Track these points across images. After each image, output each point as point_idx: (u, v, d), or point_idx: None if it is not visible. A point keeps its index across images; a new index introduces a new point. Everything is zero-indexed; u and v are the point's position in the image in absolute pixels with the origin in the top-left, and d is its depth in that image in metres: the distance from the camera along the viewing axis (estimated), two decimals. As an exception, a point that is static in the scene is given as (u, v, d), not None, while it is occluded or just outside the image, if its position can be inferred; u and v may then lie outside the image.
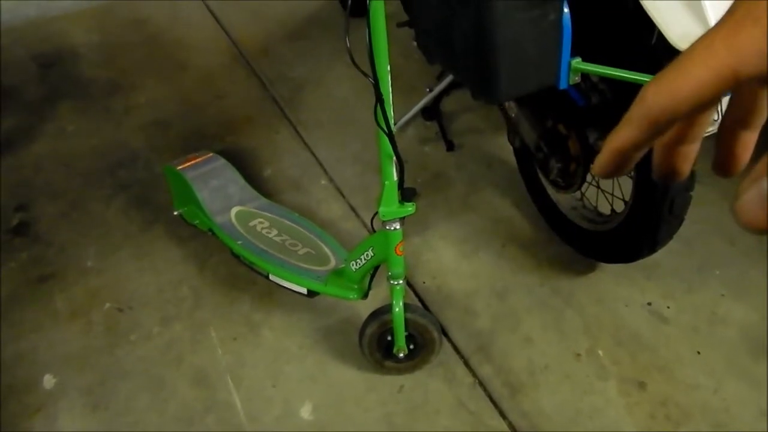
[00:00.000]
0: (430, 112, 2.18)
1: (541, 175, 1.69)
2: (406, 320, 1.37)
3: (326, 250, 1.57)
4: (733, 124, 0.32)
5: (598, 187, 1.64)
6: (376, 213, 1.24)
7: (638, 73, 1.10)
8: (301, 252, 1.57)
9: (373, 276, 1.42)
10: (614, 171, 0.32)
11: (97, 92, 2.56)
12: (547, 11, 1.11)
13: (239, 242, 1.60)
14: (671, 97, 0.27)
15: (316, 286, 1.47)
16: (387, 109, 1.11)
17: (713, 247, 1.72)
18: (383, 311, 1.40)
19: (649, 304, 1.61)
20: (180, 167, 1.76)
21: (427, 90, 2.13)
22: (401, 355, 1.42)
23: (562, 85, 1.22)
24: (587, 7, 1.19)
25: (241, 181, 1.80)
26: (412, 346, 1.43)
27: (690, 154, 0.34)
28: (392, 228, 1.25)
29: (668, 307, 1.59)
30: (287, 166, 2.13)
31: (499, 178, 2.00)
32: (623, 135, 0.29)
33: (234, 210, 1.72)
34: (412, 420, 1.41)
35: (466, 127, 2.22)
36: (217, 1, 3.10)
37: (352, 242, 1.71)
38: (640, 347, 1.51)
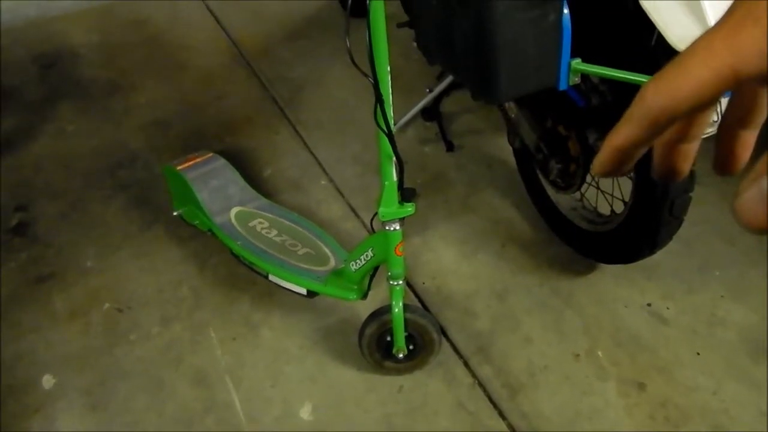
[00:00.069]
0: (430, 113, 2.18)
1: (540, 176, 1.69)
2: (406, 321, 1.36)
3: (326, 250, 1.57)
4: (732, 123, 0.32)
5: (597, 187, 1.64)
6: (376, 213, 1.24)
7: (638, 74, 1.10)
8: (300, 252, 1.57)
9: (372, 276, 1.42)
10: (614, 170, 0.32)
11: (97, 92, 2.56)
12: (547, 12, 1.11)
13: (239, 242, 1.60)
14: (671, 96, 0.27)
15: (315, 287, 1.47)
16: (387, 109, 1.11)
17: (713, 248, 1.72)
18: (383, 312, 1.40)
19: (649, 305, 1.60)
20: (180, 167, 1.76)
21: (427, 90, 2.13)
22: (401, 355, 1.42)
23: (562, 86, 1.22)
24: (587, 8, 1.19)
25: (241, 181, 1.80)
26: (411, 347, 1.43)
27: (690, 153, 0.34)
28: (392, 228, 1.25)
29: (668, 308, 1.59)
30: (287, 167, 2.13)
31: (499, 178, 2.00)
32: (623, 133, 0.29)
33: (234, 210, 1.72)
34: (411, 420, 1.41)
35: (466, 128, 2.22)
36: (217, 2, 3.10)
37: (351, 243, 1.71)
38: (639, 348, 1.51)
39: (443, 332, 1.56)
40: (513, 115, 1.62)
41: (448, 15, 1.19)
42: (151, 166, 2.15)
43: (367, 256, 1.34)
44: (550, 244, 1.77)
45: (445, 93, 2.12)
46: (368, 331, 1.41)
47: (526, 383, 1.46)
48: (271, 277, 1.54)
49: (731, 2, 0.26)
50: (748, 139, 0.32)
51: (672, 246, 1.49)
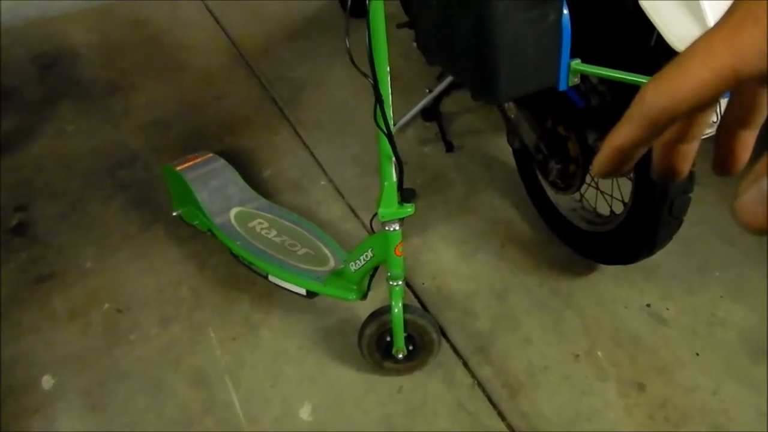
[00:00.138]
0: (430, 113, 2.18)
1: (540, 177, 1.69)
2: (406, 321, 1.36)
3: (325, 250, 1.57)
4: (732, 123, 0.32)
5: (597, 188, 1.64)
6: (376, 214, 1.24)
7: (637, 75, 1.10)
8: (300, 253, 1.57)
9: (372, 277, 1.42)
10: (613, 170, 0.32)
11: (97, 93, 2.56)
12: (546, 12, 1.11)
13: (238, 243, 1.60)
14: (671, 96, 0.27)
15: (315, 287, 1.47)
16: (386, 109, 1.11)
17: (712, 248, 1.72)
18: (382, 312, 1.39)
19: (648, 305, 1.60)
20: (179, 168, 1.76)
21: (427, 91, 2.13)
22: (400, 356, 1.42)
23: (562, 87, 1.22)
24: (586, 8, 1.19)
25: (241, 181, 1.79)
26: (411, 347, 1.43)
27: (689, 154, 0.34)
28: (391, 229, 1.25)
29: (667, 309, 1.59)
30: (287, 167, 2.13)
31: (499, 179, 2.00)
32: (623, 134, 0.29)
33: (233, 210, 1.72)
34: (411, 421, 1.41)
35: (466, 128, 2.22)
36: (217, 2, 3.10)
37: (351, 243, 1.71)
38: (639, 349, 1.51)
39: (443, 333, 1.56)
40: (513, 116, 1.62)
41: (448, 15, 1.19)
42: (150, 167, 2.15)
43: (366, 256, 1.34)
44: (550, 245, 1.77)
45: (444, 93, 2.12)
46: (368, 331, 1.41)
47: (525, 383, 1.46)
48: (271, 278, 1.54)
49: (730, 2, 0.26)
50: (748, 139, 0.32)
51: (671, 246, 1.49)
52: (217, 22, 2.97)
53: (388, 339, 1.41)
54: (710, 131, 0.35)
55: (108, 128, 2.36)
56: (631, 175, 1.43)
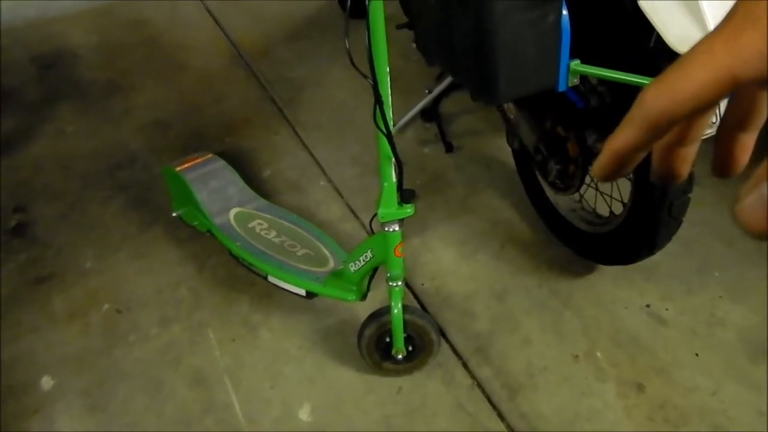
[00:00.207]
0: (429, 114, 2.18)
1: (539, 177, 1.69)
2: (405, 322, 1.36)
3: (325, 251, 1.57)
4: (731, 125, 0.32)
5: (596, 189, 1.64)
6: (375, 214, 1.24)
7: (637, 75, 1.11)
8: (299, 253, 1.57)
9: (371, 277, 1.42)
10: (614, 173, 0.32)
11: (97, 93, 2.56)
12: (546, 13, 1.11)
13: (238, 243, 1.60)
14: (671, 99, 0.27)
15: (314, 288, 1.47)
16: (386, 110, 1.11)
17: (712, 249, 1.73)
18: (382, 313, 1.40)
19: (648, 306, 1.61)
20: (179, 168, 1.76)
21: (426, 91, 2.13)
22: (400, 356, 1.42)
23: (561, 87, 1.22)
24: (586, 9, 1.19)
25: (240, 182, 1.80)
26: (410, 348, 1.43)
27: (688, 156, 0.34)
28: (391, 229, 1.25)
29: (667, 309, 1.59)
30: (286, 168, 2.13)
31: (498, 179, 2.00)
32: (623, 137, 0.29)
33: (233, 211, 1.72)
34: (410, 421, 1.41)
35: (465, 129, 2.22)
36: (216, 2, 3.10)
37: (351, 243, 1.71)
38: (638, 349, 1.51)
39: (442, 333, 1.56)
40: (512, 116, 1.62)
41: (448, 16, 1.19)
42: (150, 167, 2.15)
43: (366, 257, 1.34)
44: (549, 245, 1.77)
45: (444, 94, 2.12)
46: (367, 332, 1.41)
47: (525, 384, 1.46)
48: (270, 278, 1.54)
49: (729, 2, 0.26)
50: (747, 141, 0.32)
51: (671, 247, 1.49)
52: (217, 22, 2.97)
53: (388, 340, 1.41)
54: (710, 131, 0.35)
55: (107, 129, 2.36)
56: (631, 175, 1.44)
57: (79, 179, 2.14)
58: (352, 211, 1.95)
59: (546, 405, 1.42)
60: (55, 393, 1.51)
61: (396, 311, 1.34)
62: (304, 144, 2.22)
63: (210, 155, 1.85)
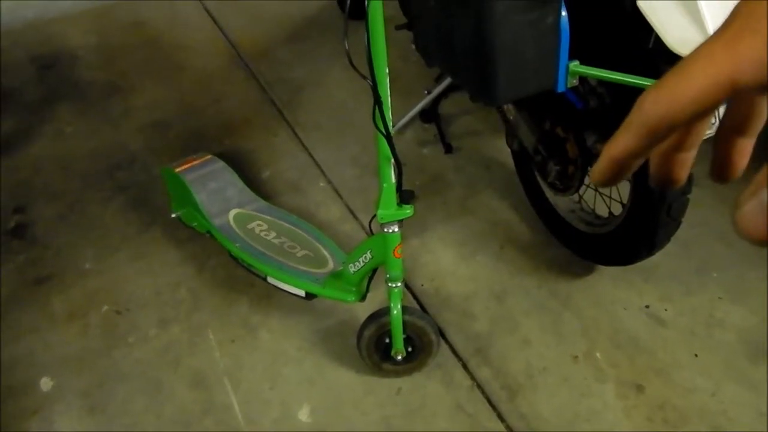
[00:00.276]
0: (429, 115, 2.18)
1: (539, 178, 1.69)
2: (404, 323, 1.36)
3: (324, 252, 1.57)
4: (730, 130, 0.32)
5: (596, 189, 1.64)
6: (375, 215, 1.24)
7: (636, 76, 1.11)
8: (299, 254, 1.57)
9: (371, 278, 1.42)
10: (612, 179, 0.32)
11: (96, 94, 2.56)
12: (545, 14, 1.12)
13: (237, 244, 1.60)
14: (670, 104, 0.27)
15: (314, 289, 1.47)
16: (385, 111, 1.11)
17: (711, 249, 1.73)
18: (381, 314, 1.40)
19: (647, 306, 1.61)
20: (178, 169, 1.76)
21: (426, 92, 2.13)
22: (399, 357, 1.42)
23: (560, 88, 1.22)
24: (585, 10, 1.19)
25: (240, 183, 1.80)
26: (410, 349, 1.43)
27: (687, 162, 0.34)
28: (390, 230, 1.25)
29: (666, 310, 1.59)
30: (286, 169, 2.13)
31: (498, 180, 2.00)
32: (621, 143, 0.29)
33: (232, 212, 1.72)
34: (410, 422, 1.41)
35: (465, 130, 2.22)
36: (216, 3, 3.10)
37: (350, 244, 1.71)
38: (637, 350, 1.51)
39: (442, 334, 1.56)
40: (511, 117, 1.62)
41: (447, 17, 1.19)
42: (149, 168, 2.15)
43: (365, 258, 1.34)
44: (549, 246, 1.77)
45: (443, 95, 2.12)
46: (367, 333, 1.41)
47: (524, 385, 1.46)
48: (270, 279, 1.54)
49: (728, 2, 0.26)
50: (746, 146, 0.32)
51: (670, 248, 1.49)
52: (216, 23, 2.97)
53: (387, 341, 1.41)
54: (709, 132, 0.35)
55: (107, 129, 2.36)
56: (630, 176, 1.43)
57: (78, 180, 2.14)
58: (352, 212, 1.95)
59: (545, 406, 1.42)
60: (54, 394, 1.51)
61: (395, 312, 1.34)
62: (303, 145, 2.22)
63: (209, 156, 1.85)
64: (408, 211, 1.23)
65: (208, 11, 3.06)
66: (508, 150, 1.78)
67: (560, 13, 1.13)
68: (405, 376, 1.49)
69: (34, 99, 2.55)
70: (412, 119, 2.19)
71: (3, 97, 2.55)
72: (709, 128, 0.37)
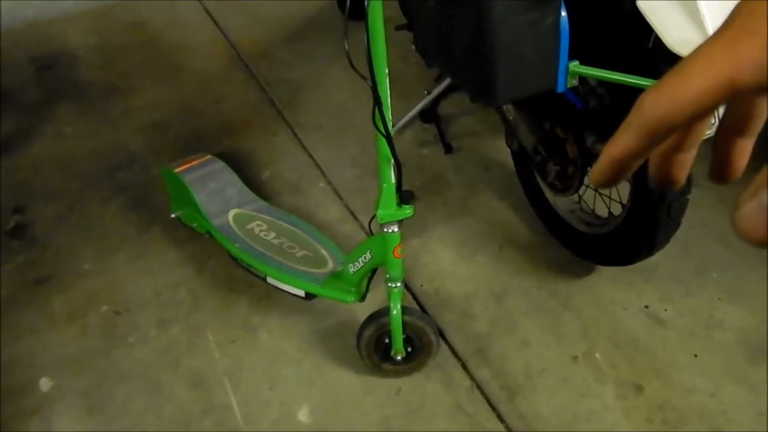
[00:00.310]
0: (428, 115, 2.18)
1: (538, 178, 1.69)
2: (404, 323, 1.36)
3: (324, 252, 1.57)
4: (729, 131, 0.32)
5: (595, 190, 1.64)
6: (374, 216, 1.24)
7: (635, 77, 1.11)
8: (298, 254, 1.57)
9: (370, 279, 1.42)
10: (612, 180, 0.32)
11: (96, 94, 2.56)
12: (545, 14, 1.12)
13: (237, 245, 1.60)
14: (670, 105, 0.27)
15: (313, 289, 1.47)
16: (385, 111, 1.11)
17: (710, 250, 1.73)
18: (381, 314, 1.40)
19: (647, 307, 1.61)
20: (178, 170, 1.76)
21: (426, 93, 2.13)
22: (399, 357, 1.42)
23: (560, 88, 1.22)
24: (585, 10, 1.19)
25: (239, 183, 1.80)
26: (409, 349, 1.43)
27: (686, 163, 0.34)
28: (390, 231, 1.25)
29: (665, 311, 1.59)
30: (285, 169, 2.13)
31: (497, 181, 2.00)
32: (620, 144, 0.29)
33: (232, 212, 1.72)
34: (409, 423, 1.41)
35: (464, 130, 2.22)
36: (215, 3, 3.10)
37: (350, 245, 1.71)
38: (637, 350, 1.51)
39: (441, 334, 1.56)
40: (511, 118, 1.62)
41: (447, 17, 1.19)
42: (149, 168, 2.15)
43: (365, 258, 1.34)
44: (548, 247, 1.77)
45: (443, 95, 2.12)
46: (366, 333, 1.41)
47: (524, 385, 1.46)
48: (269, 280, 1.54)
49: (727, 2, 0.26)
50: (745, 147, 0.32)
51: (669, 248, 1.49)
52: (216, 23, 2.97)
53: (387, 341, 1.41)
54: (709, 133, 0.35)
55: (107, 130, 2.36)
56: (629, 177, 1.43)
57: (78, 180, 2.14)
58: (351, 213, 1.95)
59: (545, 406, 1.42)
60: (53, 394, 1.51)
61: (395, 312, 1.34)
62: (303, 145, 2.22)
63: (209, 156, 1.85)
64: (408, 211, 1.23)
65: (207, 11, 3.06)
66: (508, 150, 1.78)
67: (560, 14, 1.13)
68: (404, 377, 1.49)
69: (34, 99, 2.55)
70: (412, 119, 2.19)
71: (3, 97, 2.55)
72: (709, 129, 0.36)
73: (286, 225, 1.68)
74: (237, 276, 1.73)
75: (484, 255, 1.78)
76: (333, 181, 2.06)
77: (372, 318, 1.41)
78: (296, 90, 2.49)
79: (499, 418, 1.41)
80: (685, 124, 0.27)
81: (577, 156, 1.46)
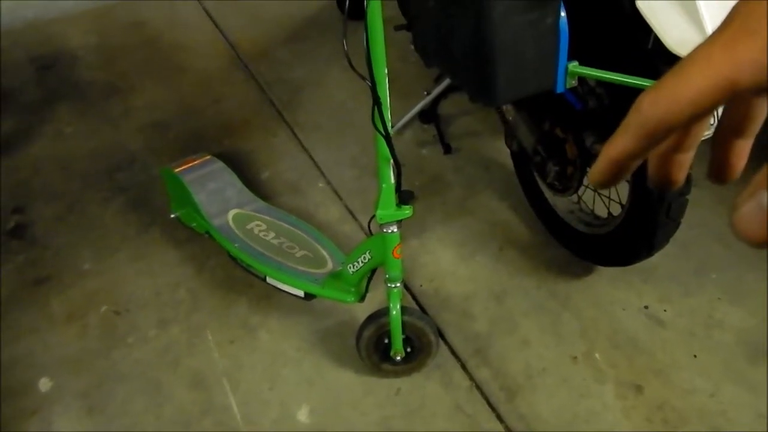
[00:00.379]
0: (428, 115, 2.18)
1: (538, 179, 1.69)
2: (404, 323, 1.36)
3: (323, 252, 1.57)
4: (727, 132, 0.32)
5: (594, 190, 1.64)
6: (374, 216, 1.24)
7: (635, 77, 1.11)
8: (298, 255, 1.57)
9: (370, 279, 1.42)
10: (610, 181, 0.32)
11: (96, 94, 2.56)
12: (544, 14, 1.12)
13: (236, 245, 1.60)
14: (668, 106, 0.27)
15: (313, 289, 1.47)
16: (384, 112, 1.11)
17: (710, 250, 1.73)
18: (380, 314, 1.40)
19: (646, 307, 1.61)
20: (177, 170, 1.76)
21: (425, 93, 2.13)
22: (398, 358, 1.42)
23: (559, 89, 1.22)
24: (584, 10, 1.19)
25: (239, 183, 1.80)
26: (409, 349, 1.43)
27: (685, 163, 0.34)
28: (389, 231, 1.25)
29: (665, 311, 1.59)
30: (285, 169, 2.13)
31: (497, 181, 2.00)
32: (619, 145, 0.29)
33: (231, 213, 1.72)
34: (409, 423, 1.41)
35: (464, 131, 2.22)
36: (215, 3, 3.10)
37: (349, 245, 1.71)
38: (636, 351, 1.51)
39: (441, 335, 1.56)
40: (510, 118, 1.62)
41: (446, 17, 1.19)
42: (149, 168, 2.15)
43: (364, 258, 1.34)
44: (548, 247, 1.77)
45: (442, 95, 2.12)
46: (366, 333, 1.41)
47: (523, 386, 1.46)
48: (269, 280, 1.54)
49: (727, 2, 0.26)
50: (743, 147, 0.32)
51: (669, 249, 1.49)
52: (215, 24, 2.97)
53: (386, 341, 1.41)
54: (708, 133, 0.35)
55: (106, 130, 2.36)
56: (629, 177, 1.44)
57: (78, 180, 2.14)
58: (351, 213, 1.95)
59: (544, 406, 1.42)
60: (53, 394, 1.51)
61: (394, 312, 1.34)
62: (302, 146, 2.22)
63: (208, 157, 1.85)
64: (407, 211, 1.23)
65: (207, 11, 3.06)
66: (508, 151, 1.78)
67: (559, 14, 1.13)
68: (404, 377, 1.49)
69: (34, 99, 2.55)
70: (412, 120, 2.19)
71: (3, 97, 2.55)
72: (708, 129, 0.36)
73: (286, 225, 1.68)
74: (236, 276, 1.73)
75: (483, 255, 1.78)
76: (332, 182, 2.06)
77: (371, 318, 1.41)
78: (296, 90, 2.49)
79: (499, 418, 1.41)
80: (683, 125, 0.27)
81: (576, 156, 1.47)
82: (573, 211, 1.70)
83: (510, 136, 1.67)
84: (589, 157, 1.45)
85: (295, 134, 2.27)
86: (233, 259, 1.63)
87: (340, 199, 2.00)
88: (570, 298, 1.64)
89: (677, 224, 1.42)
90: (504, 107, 1.63)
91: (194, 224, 1.77)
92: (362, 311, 1.49)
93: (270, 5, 3.04)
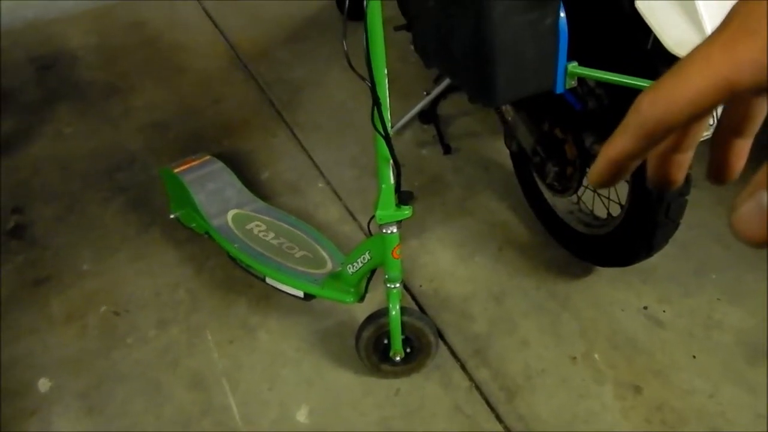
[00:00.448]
0: (428, 116, 2.18)
1: (537, 179, 1.69)
2: (403, 323, 1.36)
3: (323, 253, 1.57)
4: (726, 132, 0.32)
5: (594, 191, 1.64)
6: (373, 216, 1.24)
7: (634, 78, 1.11)
8: (297, 255, 1.57)
9: (369, 279, 1.42)
10: (610, 181, 0.32)
11: (95, 95, 2.56)
12: (544, 15, 1.12)
13: (236, 245, 1.60)
14: (667, 106, 0.27)
15: (312, 290, 1.47)
16: (384, 112, 1.11)
17: (709, 251, 1.73)
18: (380, 314, 1.40)
19: (645, 308, 1.61)
20: (177, 170, 1.76)
21: (425, 93, 2.13)
22: (398, 358, 1.42)
23: (559, 89, 1.22)
24: (584, 11, 1.19)
25: (238, 184, 1.80)
26: (408, 350, 1.43)
27: (684, 163, 0.34)
28: (389, 231, 1.25)
29: (664, 311, 1.59)
30: (284, 169, 2.13)
31: (496, 181, 2.00)
32: (618, 145, 0.29)
33: (231, 213, 1.72)
34: (408, 424, 1.41)
35: (463, 131, 2.22)
36: (215, 3, 3.10)
37: (349, 245, 1.71)
38: (636, 351, 1.51)
39: (440, 335, 1.56)
40: (510, 118, 1.63)
41: (446, 18, 1.19)
42: (148, 169, 2.15)
43: (364, 258, 1.34)
44: (547, 247, 1.77)
45: (442, 96, 2.12)
46: (365, 334, 1.41)
47: (523, 386, 1.46)
48: (268, 280, 1.54)
49: (726, 2, 0.26)
50: (743, 147, 0.32)
51: (668, 249, 1.49)
52: (215, 24, 2.97)
53: (386, 341, 1.41)
54: (707, 134, 0.35)
55: (106, 130, 2.36)
56: (628, 178, 1.44)
57: (77, 180, 2.14)
58: (351, 213, 1.95)
59: (544, 407, 1.42)
60: (52, 395, 1.51)
61: (394, 313, 1.34)
62: (302, 146, 2.22)
63: (208, 157, 1.85)
64: (407, 212, 1.23)
65: (206, 12, 3.06)
66: (507, 151, 1.78)
67: (559, 14, 1.13)
68: (403, 377, 1.49)
69: (34, 99, 2.55)
70: (411, 120, 2.19)
71: (3, 97, 2.55)
72: (707, 129, 0.36)
73: (285, 225, 1.68)
74: (236, 276, 1.73)
75: (483, 256, 1.78)
76: (332, 182, 2.06)
77: (371, 318, 1.41)
78: (296, 90, 2.49)
79: (498, 418, 1.41)
80: (682, 125, 0.27)
81: (575, 157, 1.47)
82: (572, 212, 1.70)
83: (509, 137, 1.67)
84: (589, 158, 1.45)
85: (294, 134, 2.28)
86: (233, 259, 1.63)
87: (340, 199, 2.00)
88: (569, 299, 1.64)
89: (676, 225, 1.42)
90: (503, 108, 1.63)
91: (194, 224, 1.77)
92: (362, 312, 1.49)
93: (270, 5, 3.04)
